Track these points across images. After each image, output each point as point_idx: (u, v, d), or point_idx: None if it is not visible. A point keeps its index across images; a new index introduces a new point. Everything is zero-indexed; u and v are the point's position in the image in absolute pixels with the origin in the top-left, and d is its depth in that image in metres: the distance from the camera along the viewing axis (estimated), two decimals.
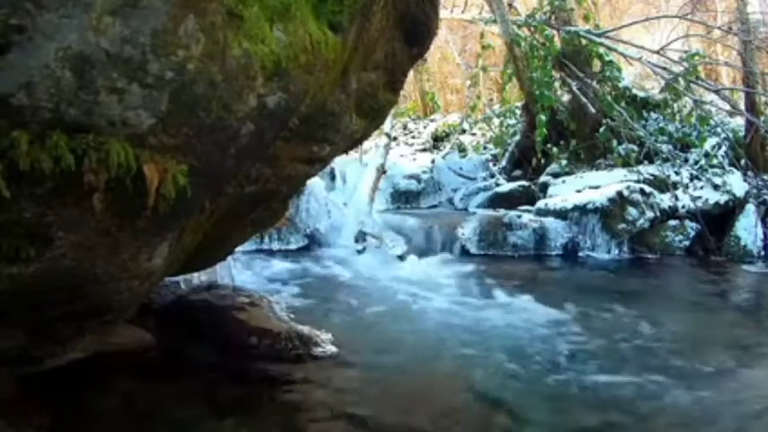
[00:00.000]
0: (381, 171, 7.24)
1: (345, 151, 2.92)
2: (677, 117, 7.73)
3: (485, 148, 9.63)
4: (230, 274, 3.73)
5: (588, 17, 8.41)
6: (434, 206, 8.04)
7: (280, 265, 4.89)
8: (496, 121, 9.58)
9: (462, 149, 9.53)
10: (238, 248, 3.18)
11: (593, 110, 7.52)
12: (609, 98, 7.36)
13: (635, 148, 7.09)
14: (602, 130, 7.35)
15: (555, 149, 7.72)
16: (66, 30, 1.29)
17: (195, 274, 3.24)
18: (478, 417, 2.43)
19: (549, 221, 6.14)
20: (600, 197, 6.10)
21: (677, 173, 6.85)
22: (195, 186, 1.63)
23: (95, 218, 1.55)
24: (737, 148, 7.15)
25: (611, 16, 12.98)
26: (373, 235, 5.82)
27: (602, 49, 7.71)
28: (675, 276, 5.61)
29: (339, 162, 6.22)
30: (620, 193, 6.08)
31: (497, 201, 7.37)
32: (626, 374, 2.82)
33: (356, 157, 7.60)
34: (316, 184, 5.69)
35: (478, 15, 9.61)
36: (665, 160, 6.97)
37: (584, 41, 7.69)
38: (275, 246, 5.52)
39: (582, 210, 6.08)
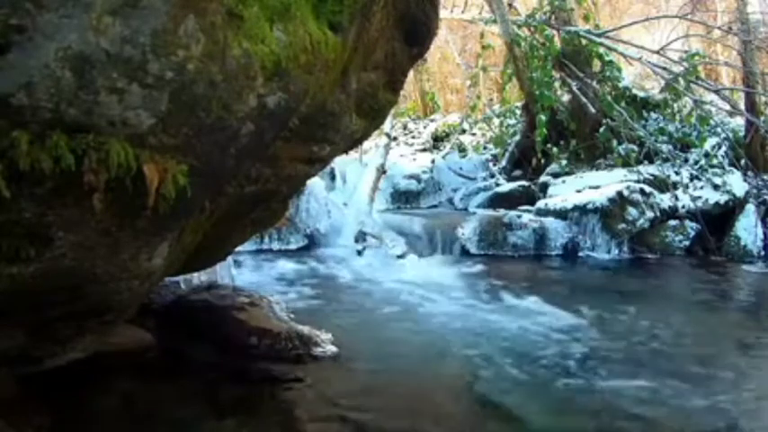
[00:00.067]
0: (381, 171, 7.24)
1: (345, 151, 2.91)
2: (677, 117, 7.74)
3: (485, 148, 9.63)
4: (230, 274, 3.72)
5: (588, 17, 8.41)
6: (434, 206, 8.05)
7: (280, 265, 4.89)
8: (496, 121, 9.58)
9: (462, 149, 9.53)
10: (238, 248, 3.18)
11: (593, 110, 7.52)
12: (609, 98, 7.36)
13: (635, 148, 7.09)
14: (602, 130, 7.35)
15: (555, 149, 7.72)
16: (66, 30, 1.29)
17: (195, 274, 3.24)
18: (479, 417, 2.43)
19: (549, 221, 6.14)
20: (600, 197, 6.11)
21: (677, 173, 6.86)
22: (195, 186, 1.63)
23: (95, 218, 1.55)
24: (737, 148, 7.15)
25: (611, 16, 12.98)
26: (373, 235, 5.82)
27: (602, 49, 7.71)
28: (675, 276, 5.61)
29: (339, 162, 6.22)
30: (620, 193, 6.09)
31: (497, 201, 7.38)
32: (629, 376, 2.82)
33: (356, 157, 7.60)
34: (316, 184, 5.69)
35: (478, 15, 9.61)
36: (665, 160, 6.98)
37: (584, 41, 7.69)
38: (275, 246, 5.53)
39: (582, 210, 6.09)
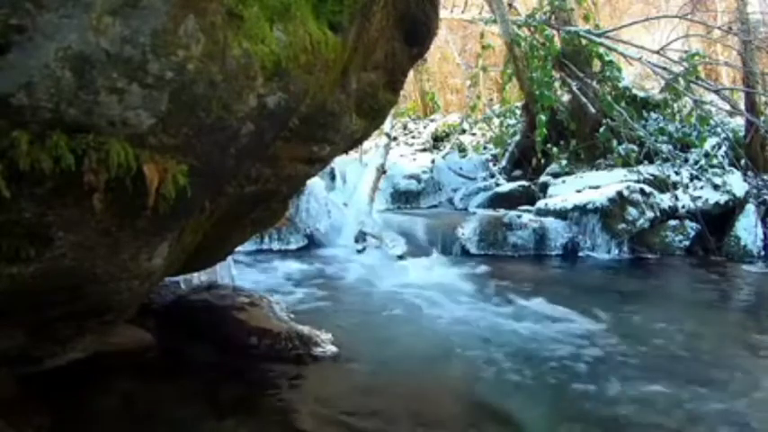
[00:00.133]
0: (381, 171, 7.25)
1: (345, 151, 2.91)
2: (677, 117, 7.74)
3: (485, 148, 9.64)
4: (230, 274, 3.72)
5: (588, 17, 8.41)
6: (434, 206, 8.05)
7: (280, 265, 4.89)
8: (496, 121, 9.58)
9: (462, 149, 9.53)
10: (238, 248, 3.18)
11: (593, 110, 7.52)
12: (609, 98, 7.37)
13: (635, 148, 7.10)
14: (602, 130, 7.35)
15: (555, 149, 7.72)
16: (66, 30, 1.29)
17: (195, 274, 3.24)
18: (480, 419, 2.41)
19: (549, 221, 6.14)
20: (600, 197, 6.11)
21: (677, 173, 6.86)
22: (195, 186, 1.63)
23: (95, 218, 1.55)
24: (737, 148, 7.15)
25: (611, 16, 12.99)
26: (373, 235, 5.82)
27: (602, 49, 7.72)
28: (676, 276, 5.61)
29: (339, 162, 6.22)
30: (620, 193, 6.09)
31: (497, 201, 7.38)
32: (633, 378, 2.79)
33: (356, 157, 7.60)
34: (316, 184, 5.70)
35: (478, 15, 9.61)
36: (665, 160, 6.98)
37: (584, 41, 7.70)
38: (275, 246, 5.53)
39: (582, 210, 6.09)
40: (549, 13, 7.98)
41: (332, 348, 2.90)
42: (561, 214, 6.17)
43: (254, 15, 1.55)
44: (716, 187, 6.64)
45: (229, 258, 3.33)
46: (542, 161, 7.86)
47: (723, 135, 7.34)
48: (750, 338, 3.59)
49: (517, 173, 8.34)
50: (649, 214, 6.15)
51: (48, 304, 1.82)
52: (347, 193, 6.74)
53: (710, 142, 7.26)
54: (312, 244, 5.67)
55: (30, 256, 1.52)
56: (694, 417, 2.44)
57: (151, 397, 2.34)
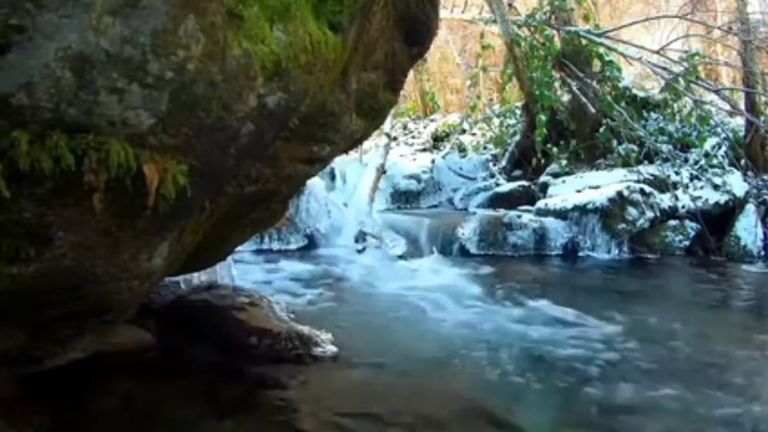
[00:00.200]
0: (381, 171, 7.24)
1: (345, 151, 2.91)
2: (677, 117, 7.74)
3: (485, 148, 9.63)
4: (230, 274, 3.72)
5: (588, 17, 8.41)
6: (434, 206, 8.05)
7: (280, 265, 4.89)
8: (496, 121, 9.58)
9: (462, 149, 9.53)
10: (238, 248, 3.18)
11: (593, 110, 7.52)
12: (609, 98, 7.37)
13: (635, 148, 7.09)
14: (602, 130, 7.35)
15: (555, 149, 7.72)
16: (66, 30, 1.29)
17: (195, 274, 3.24)
18: (480, 420, 2.41)
19: (549, 221, 6.14)
20: (600, 197, 6.11)
21: (677, 173, 6.86)
22: (195, 186, 1.63)
23: (95, 218, 1.55)
24: (737, 148, 7.15)
25: (611, 16, 12.98)
26: (373, 235, 5.82)
27: (602, 49, 7.71)
28: (676, 276, 5.61)
29: (339, 162, 6.22)
30: (620, 193, 6.09)
31: (497, 201, 7.38)
32: (636, 380, 2.78)
33: (356, 157, 7.60)
34: (316, 184, 5.70)
35: (478, 15, 9.61)
36: (665, 160, 6.98)
37: (584, 41, 7.69)
38: (275, 246, 5.53)
39: (582, 210, 6.09)
40: (549, 13, 7.98)
41: (332, 348, 2.90)
42: (561, 214, 6.17)
43: (254, 15, 1.56)
44: (716, 187, 6.64)
45: (229, 258, 3.33)
46: (542, 161, 7.86)
47: (723, 135, 7.34)
48: (754, 339, 3.58)
49: (517, 173, 8.34)
50: (649, 214, 6.15)
51: (48, 304, 1.82)
52: (347, 193, 6.74)
53: (710, 142, 7.26)
54: (312, 244, 5.67)
55: (30, 256, 1.52)
56: (704, 420, 2.41)
57: (151, 397, 2.34)
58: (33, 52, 1.27)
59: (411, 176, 8.20)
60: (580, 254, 6.02)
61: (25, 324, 1.95)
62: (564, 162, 7.56)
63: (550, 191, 6.96)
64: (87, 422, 2.14)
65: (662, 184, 6.54)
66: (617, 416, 2.43)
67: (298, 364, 2.75)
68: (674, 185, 6.62)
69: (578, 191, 6.53)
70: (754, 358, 3.22)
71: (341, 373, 2.75)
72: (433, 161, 8.79)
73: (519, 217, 6.16)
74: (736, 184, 6.65)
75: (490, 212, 6.64)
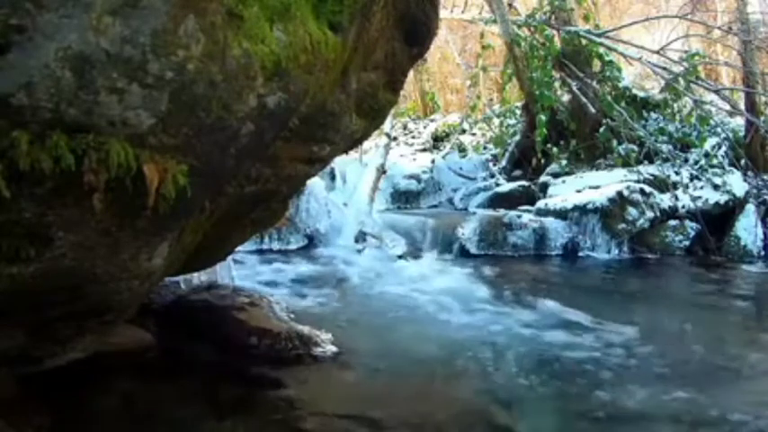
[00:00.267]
0: (381, 171, 7.24)
1: (345, 151, 2.91)
2: (677, 117, 7.74)
3: (485, 148, 9.63)
4: (230, 274, 3.72)
5: (588, 17, 8.41)
6: (434, 206, 8.05)
7: (280, 265, 4.89)
8: (496, 121, 9.58)
9: (462, 149, 9.53)
10: (238, 248, 3.18)
11: (593, 110, 7.52)
12: (609, 98, 7.36)
13: (635, 148, 7.09)
14: (602, 130, 7.35)
15: (555, 149, 7.72)
16: (66, 30, 1.29)
17: (195, 274, 3.24)
18: (480, 421, 2.40)
19: (549, 221, 6.14)
20: (600, 197, 6.11)
21: (677, 173, 6.86)
22: (195, 186, 1.63)
23: (95, 218, 1.55)
24: (737, 148, 7.15)
25: (611, 16, 12.98)
26: (373, 235, 5.82)
27: (602, 49, 7.71)
28: (676, 276, 5.61)
29: (339, 162, 6.22)
30: (620, 193, 6.09)
31: (497, 201, 7.38)
32: (640, 381, 2.74)
33: (356, 157, 7.60)
34: (316, 184, 5.69)
35: (478, 15, 9.61)
36: (665, 160, 6.98)
37: (584, 41, 7.69)
38: (275, 246, 5.52)
39: (582, 210, 6.08)
40: (549, 13, 7.97)
41: (332, 348, 2.89)
42: (561, 214, 6.17)
43: (254, 15, 1.56)
44: (716, 187, 6.64)
45: (229, 258, 3.33)
46: (542, 161, 7.86)
47: (723, 135, 7.34)
48: (758, 339, 3.58)
49: (517, 173, 8.34)
50: (649, 214, 6.15)
51: (48, 304, 1.82)
52: (347, 193, 6.74)
53: (710, 142, 7.25)
54: (312, 244, 5.67)
55: (30, 256, 1.52)
56: (716, 425, 2.38)
57: (151, 397, 2.34)
58: (33, 52, 1.27)
59: (411, 176, 8.20)
60: (580, 254, 6.02)
61: (25, 324, 1.95)
62: (564, 162, 7.56)
63: (550, 191, 6.96)
64: (87, 422, 2.13)
65: (662, 184, 6.53)
66: (625, 422, 2.40)
67: (298, 364, 2.75)
68: (674, 185, 6.62)
69: (578, 191, 6.53)
70: (760, 360, 3.19)
71: (341, 374, 2.75)
72: (433, 161, 8.79)
73: (519, 217, 6.16)
74: (736, 184, 6.65)
75: (490, 212, 6.64)
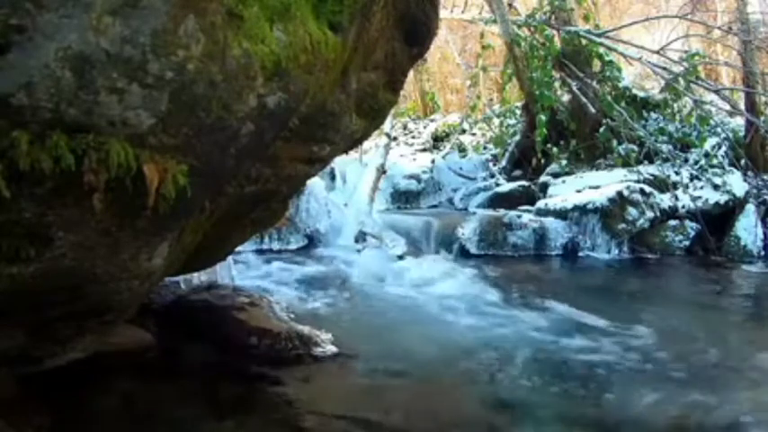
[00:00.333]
0: (381, 171, 7.24)
1: (345, 151, 2.92)
2: (677, 117, 7.73)
3: (485, 148, 9.63)
4: (230, 274, 3.73)
5: (588, 17, 8.40)
6: (434, 206, 8.04)
7: (280, 265, 4.89)
8: (496, 121, 9.57)
9: (462, 149, 9.52)
10: (238, 248, 3.18)
11: (593, 110, 7.51)
12: (609, 98, 7.36)
13: (635, 148, 7.09)
14: (602, 130, 7.34)
15: (555, 149, 7.71)
16: (66, 30, 1.29)
17: (195, 274, 3.24)
18: (480, 421, 2.40)
19: (549, 221, 6.14)
20: (600, 197, 6.10)
21: (677, 173, 6.85)
22: (195, 186, 1.63)
23: (95, 218, 1.55)
24: (737, 148, 7.14)
25: (611, 16, 12.97)
26: (373, 235, 5.82)
27: (602, 49, 7.71)
28: (676, 276, 5.61)
29: (339, 162, 6.21)
30: (620, 193, 6.08)
31: (497, 201, 7.37)
32: (642, 382, 2.74)
33: (356, 157, 7.60)
34: (316, 184, 5.69)
35: (478, 15, 9.60)
36: (665, 160, 6.97)
37: (584, 41, 7.69)
38: (275, 246, 5.52)
39: (582, 210, 6.08)
40: (549, 13, 7.97)
41: (332, 348, 2.90)
42: (561, 214, 6.16)
43: (254, 15, 1.56)
44: (716, 187, 6.63)
45: (229, 258, 3.34)
46: (542, 161, 7.85)
47: (723, 135, 7.34)
48: (759, 339, 3.57)
49: (517, 173, 8.33)
50: (649, 214, 6.15)
51: (48, 304, 1.82)
52: (347, 193, 6.73)
53: (710, 142, 7.25)
54: (312, 244, 5.66)
55: (30, 256, 1.52)
56: (717, 425, 2.39)
57: (151, 397, 2.34)
58: (33, 52, 1.27)
59: (411, 176, 8.19)
60: (580, 254, 6.01)
61: (25, 324, 1.95)
62: (564, 162, 7.56)
63: (550, 191, 6.96)
64: (87, 422, 2.13)
65: (662, 184, 6.53)
66: (629, 423, 2.38)
67: (298, 364, 2.75)
68: (674, 185, 6.61)
69: (578, 191, 6.52)
70: (760, 360, 3.17)
71: (341, 374, 2.75)
72: (433, 161, 8.79)
73: (519, 217, 6.16)
74: (736, 184, 6.65)
75: (490, 212, 6.63)
